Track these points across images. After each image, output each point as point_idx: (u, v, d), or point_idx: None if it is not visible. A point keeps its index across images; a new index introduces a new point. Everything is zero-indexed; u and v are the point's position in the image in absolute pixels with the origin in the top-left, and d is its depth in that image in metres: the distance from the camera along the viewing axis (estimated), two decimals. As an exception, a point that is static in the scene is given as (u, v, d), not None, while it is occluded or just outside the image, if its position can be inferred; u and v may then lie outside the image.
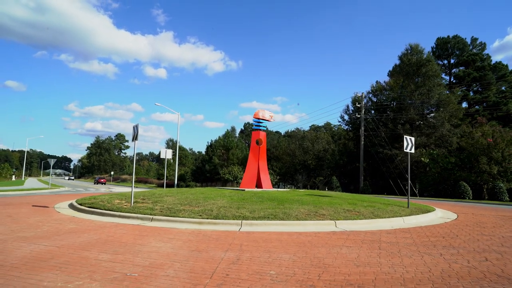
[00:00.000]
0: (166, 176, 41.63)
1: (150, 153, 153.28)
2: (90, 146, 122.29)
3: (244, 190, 14.24)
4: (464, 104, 41.94)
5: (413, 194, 28.36)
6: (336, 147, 42.05)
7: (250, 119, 65.26)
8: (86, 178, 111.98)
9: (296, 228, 7.43)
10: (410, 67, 32.40)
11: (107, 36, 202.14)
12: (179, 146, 36.74)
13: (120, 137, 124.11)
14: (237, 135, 72.33)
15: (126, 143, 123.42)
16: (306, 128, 58.32)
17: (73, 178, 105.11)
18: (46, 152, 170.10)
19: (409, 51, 33.34)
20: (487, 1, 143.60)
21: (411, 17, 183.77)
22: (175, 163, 32.79)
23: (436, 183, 28.90)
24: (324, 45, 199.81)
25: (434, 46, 43.88)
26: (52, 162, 27.37)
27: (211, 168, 47.15)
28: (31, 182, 50.32)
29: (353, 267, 4.35)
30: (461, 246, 5.84)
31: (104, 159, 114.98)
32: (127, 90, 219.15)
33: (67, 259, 4.48)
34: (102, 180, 58.50)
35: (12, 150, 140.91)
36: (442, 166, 28.14)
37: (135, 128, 10.08)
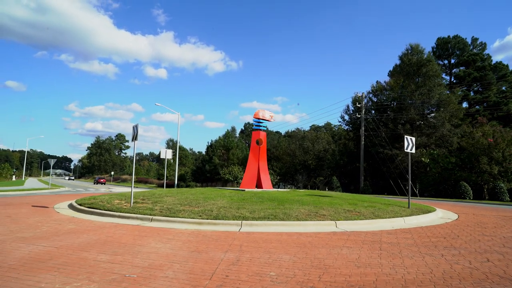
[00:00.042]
0: (166, 176, 41.61)
1: (150, 153, 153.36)
2: (90, 146, 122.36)
3: (244, 190, 14.21)
4: (465, 104, 41.91)
5: (414, 194, 28.32)
6: (337, 147, 42.01)
7: (250, 119, 65.26)
8: (86, 178, 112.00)
9: (296, 228, 7.39)
10: (410, 67, 32.36)
11: (108, 36, 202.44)
12: (179, 146, 36.72)
13: (120, 137, 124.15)
14: (237, 135, 72.32)
15: (126, 143, 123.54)
16: (307, 128, 58.31)
17: (73, 178, 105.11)
18: (46, 152, 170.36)
19: (409, 51, 33.30)
20: (487, 1, 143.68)
21: (411, 17, 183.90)
22: (175, 163, 32.76)
23: (437, 183, 28.86)
24: (324, 45, 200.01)
25: (435, 46, 43.87)
26: (52, 162, 27.35)
27: (211, 168, 47.13)
28: (31, 182, 50.33)
29: (354, 268, 4.31)
30: (462, 246, 5.81)
31: (104, 159, 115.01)
32: (128, 90, 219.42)
33: (66, 260, 4.45)
34: (101, 180, 58.49)
35: (12, 150, 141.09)
36: (443, 166, 28.09)
37: (135, 128, 10.06)
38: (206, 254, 4.94)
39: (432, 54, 38.14)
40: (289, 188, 35.33)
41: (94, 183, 58.04)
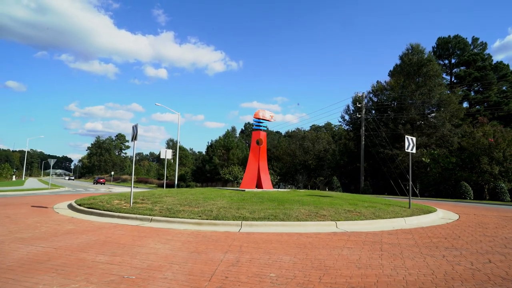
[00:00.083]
0: (166, 176, 41.59)
1: (150, 153, 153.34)
2: (90, 146, 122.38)
3: (244, 190, 14.17)
4: (465, 104, 41.87)
5: (414, 194, 28.27)
6: (337, 147, 41.97)
7: (250, 119, 65.15)
8: (86, 178, 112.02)
9: (296, 229, 7.36)
10: (411, 67, 32.32)
11: (108, 36, 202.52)
12: (179, 146, 36.69)
13: (120, 137, 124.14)
14: (237, 135, 72.27)
15: (126, 143, 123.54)
16: (307, 128, 58.25)
17: (73, 178, 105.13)
18: (46, 152, 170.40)
19: (410, 51, 33.25)
20: (487, 1, 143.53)
21: (411, 17, 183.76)
22: (175, 163, 32.73)
23: (437, 183, 28.82)
24: (324, 45, 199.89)
25: (435, 46, 43.82)
26: (52, 162, 27.33)
27: (211, 168, 47.10)
28: (31, 182, 50.33)
29: (355, 269, 4.27)
30: (463, 247, 5.77)
31: (104, 159, 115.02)
32: (128, 90, 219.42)
33: (64, 261, 4.42)
34: (101, 180, 58.49)
35: (12, 150, 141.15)
36: (443, 166, 28.05)
37: (134, 128, 10.03)
38: (205, 255, 4.90)
39: (432, 54, 38.07)
40: (289, 188, 35.29)
41: (94, 183, 58.05)
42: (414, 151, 11.76)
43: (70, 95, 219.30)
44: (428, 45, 75.41)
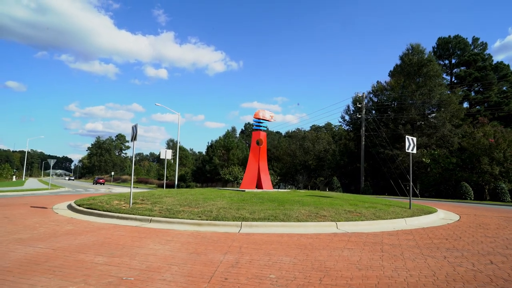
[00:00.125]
0: (167, 177, 41.57)
1: (150, 153, 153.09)
2: (90, 146, 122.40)
3: (244, 190, 14.13)
4: (466, 104, 41.82)
5: (414, 195, 28.22)
6: (337, 147, 41.94)
7: (250, 119, 65.05)
8: (86, 178, 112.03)
9: (296, 229, 7.32)
10: (411, 67, 32.29)
11: (108, 37, 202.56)
12: (179, 147, 36.67)
13: (120, 138, 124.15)
14: (237, 135, 72.29)
15: (126, 144, 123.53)
16: (307, 128, 58.25)
17: (73, 178, 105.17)
18: (46, 152, 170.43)
19: (410, 51, 33.23)
20: (487, 1, 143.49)
21: (411, 17, 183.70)
22: (176, 163, 32.72)
23: (437, 183, 28.78)
24: (324, 45, 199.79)
25: (435, 46, 43.78)
26: (52, 162, 27.28)
27: (211, 169, 47.06)
28: (31, 182, 50.31)
29: (355, 270, 4.24)
30: (465, 248, 5.73)
31: (104, 160, 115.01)
32: (128, 90, 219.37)
33: (62, 262, 4.38)
34: (101, 181, 58.47)
35: (13, 151, 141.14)
36: (443, 166, 28.01)
37: (134, 128, 9.99)
38: (205, 256, 4.86)
39: (432, 54, 38.05)
40: (289, 189, 35.27)
41: (94, 183, 58.04)
42: (414, 151, 11.73)
43: (70, 95, 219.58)
44: (428, 45, 75.47)
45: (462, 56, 42.23)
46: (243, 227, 7.35)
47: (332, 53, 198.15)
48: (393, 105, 34.51)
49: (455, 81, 43.15)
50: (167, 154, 22.03)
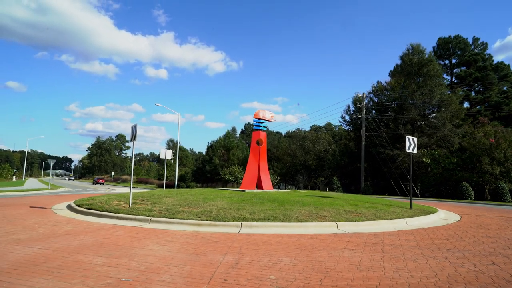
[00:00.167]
0: (167, 177, 41.55)
1: (150, 153, 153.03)
2: (90, 146, 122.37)
3: (244, 191, 14.10)
4: (466, 104, 41.76)
5: (415, 195, 28.17)
6: (337, 147, 41.89)
7: (250, 119, 65.00)
8: (86, 178, 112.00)
9: (297, 230, 7.28)
10: (411, 67, 32.25)
11: (108, 37, 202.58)
12: (179, 147, 36.63)
13: (120, 138, 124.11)
14: (237, 135, 72.25)
15: (126, 144, 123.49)
16: (307, 128, 58.24)
17: (73, 178, 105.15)
18: (47, 152, 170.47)
19: (410, 51, 33.19)
20: (487, 1, 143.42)
21: (412, 17, 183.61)
22: (176, 163, 32.68)
23: (438, 183, 28.74)
24: (324, 45, 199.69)
25: (436, 46, 43.75)
26: (52, 162, 27.25)
27: (211, 169, 47.02)
28: (31, 182, 50.28)
29: (356, 271, 4.20)
30: (466, 249, 5.69)
31: (104, 160, 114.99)
32: (128, 90, 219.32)
33: (61, 263, 4.35)
34: (100, 181, 58.44)
35: (13, 151, 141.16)
36: (444, 166, 27.97)
37: (134, 128, 9.96)
38: (204, 256, 4.83)
39: (433, 54, 38.01)
40: (289, 189, 35.22)
41: (93, 183, 58.03)
42: (415, 151, 11.69)
43: (71, 95, 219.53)
44: (428, 45, 75.47)
45: (462, 56, 42.19)
46: (243, 227, 7.32)
47: (332, 53, 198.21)
48: (393, 105, 34.47)
49: (455, 81, 43.11)
50: (167, 154, 22.00)
